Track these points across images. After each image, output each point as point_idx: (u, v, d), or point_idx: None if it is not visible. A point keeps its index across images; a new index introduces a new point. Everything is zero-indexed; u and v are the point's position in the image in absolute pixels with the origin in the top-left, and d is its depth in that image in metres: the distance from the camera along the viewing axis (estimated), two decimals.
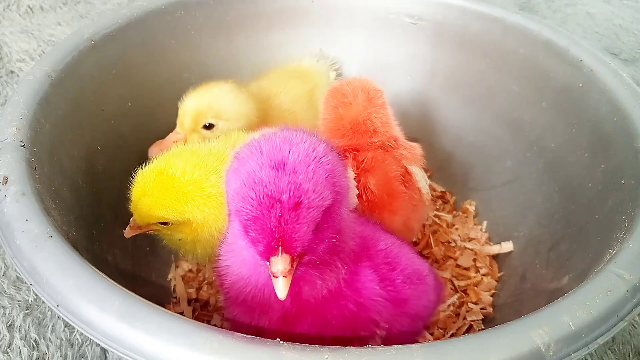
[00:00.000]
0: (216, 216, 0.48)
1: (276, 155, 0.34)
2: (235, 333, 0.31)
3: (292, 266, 0.33)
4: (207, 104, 0.59)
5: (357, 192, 0.55)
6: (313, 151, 0.34)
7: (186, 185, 0.47)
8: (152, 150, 0.59)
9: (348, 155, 0.58)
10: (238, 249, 0.39)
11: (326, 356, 0.29)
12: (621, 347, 0.60)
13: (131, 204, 0.49)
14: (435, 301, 0.50)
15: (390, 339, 0.43)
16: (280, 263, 0.33)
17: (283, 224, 0.32)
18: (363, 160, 0.56)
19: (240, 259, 0.39)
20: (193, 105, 0.59)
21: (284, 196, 0.32)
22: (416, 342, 0.42)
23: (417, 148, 0.60)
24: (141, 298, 0.33)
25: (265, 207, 0.32)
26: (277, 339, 0.31)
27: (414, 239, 0.70)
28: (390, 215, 0.56)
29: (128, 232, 0.50)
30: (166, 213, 0.47)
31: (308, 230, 0.33)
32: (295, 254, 0.33)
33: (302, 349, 0.30)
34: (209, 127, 0.59)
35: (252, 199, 0.32)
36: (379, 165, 0.56)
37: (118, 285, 0.34)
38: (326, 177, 0.34)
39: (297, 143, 0.34)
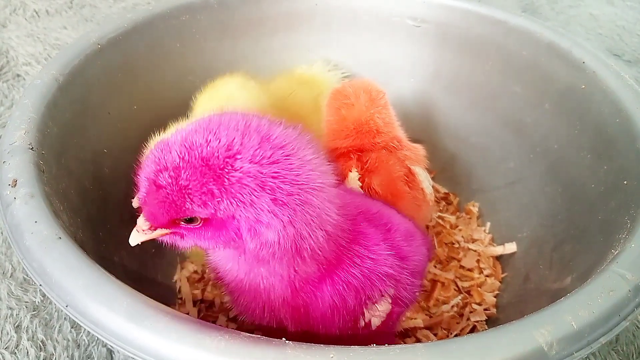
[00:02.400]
0: None
1: (191, 138, 0.33)
2: (242, 333, 0.31)
3: (151, 230, 0.36)
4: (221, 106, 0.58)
5: (362, 192, 0.55)
6: (216, 155, 0.32)
7: None
8: None
9: (352, 156, 0.58)
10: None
11: (331, 355, 0.30)
12: (625, 348, 0.60)
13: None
14: (427, 255, 0.51)
15: (398, 296, 0.44)
16: (140, 219, 0.36)
17: (146, 194, 0.34)
18: (367, 161, 0.57)
19: (223, 255, 0.40)
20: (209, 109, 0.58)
21: (162, 175, 0.33)
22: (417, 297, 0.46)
23: (420, 149, 0.61)
24: (149, 298, 0.33)
25: (147, 172, 0.34)
26: (283, 339, 0.31)
27: None
28: None
29: (136, 202, 0.51)
30: None
31: (162, 214, 0.34)
32: (151, 227, 0.36)
33: (307, 348, 0.30)
34: None
35: (149, 157, 0.34)
36: (382, 165, 0.57)
37: (126, 286, 0.34)
38: (219, 188, 0.32)
39: (217, 138, 0.33)
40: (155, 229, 0.36)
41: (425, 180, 0.59)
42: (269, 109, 0.62)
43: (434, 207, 0.75)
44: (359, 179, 0.56)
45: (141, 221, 0.36)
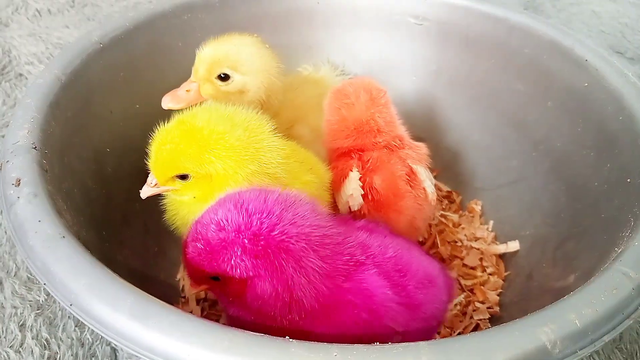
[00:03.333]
0: (236, 172, 0.47)
1: (220, 210, 0.40)
2: (245, 331, 0.31)
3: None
4: (224, 53, 0.57)
5: (363, 192, 0.55)
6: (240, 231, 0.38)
7: (210, 135, 0.46)
8: (165, 100, 0.57)
9: (353, 155, 0.58)
10: None
11: (335, 354, 0.30)
12: (628, 346, 0.60)
13: (149, 160, 0.48)
14: (447, 300, 0.50)
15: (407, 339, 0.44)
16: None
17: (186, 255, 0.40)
18: (368, 161, 0.57)
19: None
20: (210, 53, 0.57)
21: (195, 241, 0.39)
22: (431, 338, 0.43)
23: (422, 148, 0.60)
24: (153, 297, 0.33)
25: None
26: (287, 337, 0.31)
27: (420, 239, 0.71)
28: (396, 215, 0.56)
29: (145, 192, 0.49)
30: (187, 161, 0.46)
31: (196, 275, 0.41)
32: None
33: (311, 346, 0.30)
34: (224, 78, 0.57)
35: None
36: (384, 165, 0.57)
37: (130, 285, 0.34)
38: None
39: (242, 216, 0.39)
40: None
41: (427, 179, 0.59)
42: (278, 73, 0.61)
43: (436, 206, 0.75)
44: (359, 179, 0.56)
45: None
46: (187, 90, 0.58)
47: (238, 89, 0.59)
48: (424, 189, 0.58)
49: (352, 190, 0.55)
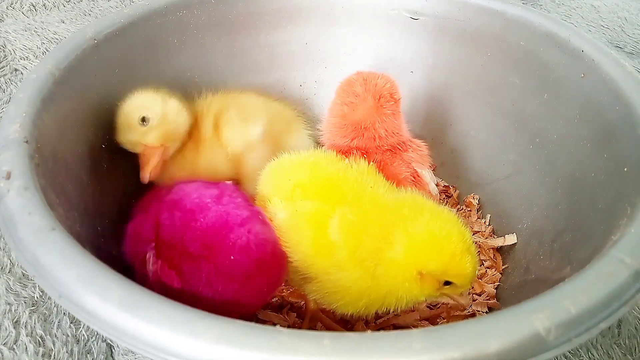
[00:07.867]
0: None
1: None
2: (236, 320, 0.31)
3: None
4: (130, 103, 0.60)
5: None
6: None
7: None
8: (146, 176, 0.59)
9: (355, 153, 0.57)
10: None
11: (325, 342, 0.30)
12: (627, 342, 0.59)
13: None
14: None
15: None
16: None
17: None
18: (372, 163, 0.56)
19: None
20: (123, 110, 0.59)
21: None
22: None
23: (424, 148, 0.60)
24: (142, 287, 0.33)
25: None
26: (277, 326, 0.31)
27: None
28: None
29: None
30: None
31: None
32: None
33: (301, 334, 0.30)
34: (144, 120, 0.59)
35: None
36: (388, 168, 0.56)
37: (120, 275, 0.34)
38: None
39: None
40: None
41: (431, 181, 0.59)
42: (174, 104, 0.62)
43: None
44: None
45: None
46: (144, 156, 0.59)
47: (160, 125, 0.59)
48: (429, 191, 0.58)
49: None
